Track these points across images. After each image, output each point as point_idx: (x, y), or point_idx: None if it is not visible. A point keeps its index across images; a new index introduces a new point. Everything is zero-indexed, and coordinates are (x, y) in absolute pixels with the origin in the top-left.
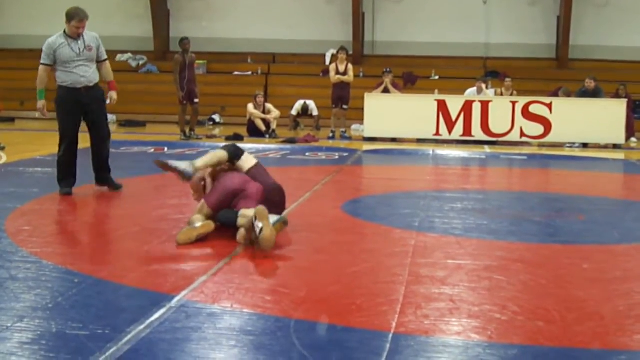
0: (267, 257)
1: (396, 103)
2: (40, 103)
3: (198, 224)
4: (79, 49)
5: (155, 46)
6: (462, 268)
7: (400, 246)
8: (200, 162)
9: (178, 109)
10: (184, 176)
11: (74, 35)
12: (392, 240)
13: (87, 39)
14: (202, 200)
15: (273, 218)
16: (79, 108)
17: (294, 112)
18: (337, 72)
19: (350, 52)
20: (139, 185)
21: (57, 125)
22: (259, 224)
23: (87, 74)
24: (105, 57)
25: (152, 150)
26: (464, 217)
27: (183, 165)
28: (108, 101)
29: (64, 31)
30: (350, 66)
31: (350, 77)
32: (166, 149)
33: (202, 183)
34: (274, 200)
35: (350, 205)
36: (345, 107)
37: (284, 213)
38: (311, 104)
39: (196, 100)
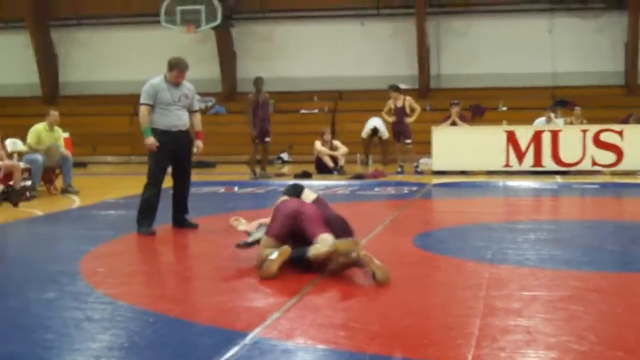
0: (339, 292)
1: (464, 135)
2: (150, 139)
3: (274, 255)
4: (178, 96)
5: (223, 88)
6: (537, 299)
7: (474, 278)
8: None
9: (250, 148)
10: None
11: (174, 83)
12: (465, 273)
13: (185, 88)
14: (264, 236)
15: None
16: (171, 151)
17: (364, 134)
18: (391, 109)
19: (416, 87)
20: (210, 225)
21: (148, 167)
22: (368, 269)
23: (182, 119)
24: (197, 107)
25: (223, 190)
26: (538, 248)
27: (258, 234)
28: (195, 149)
29: (165, 76)
30: (408, 100)
31: (414, 112)
32: (236, 188)
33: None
34: (338, 229)
35: (421, 239)
36: (407, 141)
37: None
38: (380, 126)
39: (267, 139)
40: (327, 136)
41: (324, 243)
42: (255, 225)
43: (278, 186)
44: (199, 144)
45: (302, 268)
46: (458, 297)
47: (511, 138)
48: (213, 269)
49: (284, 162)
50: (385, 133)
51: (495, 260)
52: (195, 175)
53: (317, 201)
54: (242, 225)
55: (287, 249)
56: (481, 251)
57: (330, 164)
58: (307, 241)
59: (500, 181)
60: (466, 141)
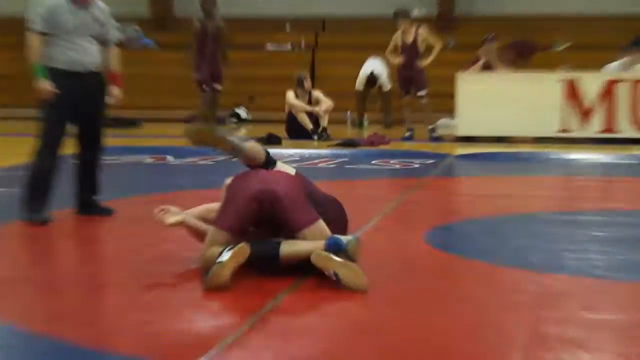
0: (322, 310)
1: (503, 86)
2: (43, 84)
3: (226, 256)
4: (85, 21)
5: (152, 10)
6: (607, 325)
7: (515, 294)
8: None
9: (192, 100)
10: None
11: (80, 1)
12: (502, 286)
13: (95, 9)
14: (211, 228)
15: (344, 239)
16: (73, 101)
17: (358, 84)
18: (397, 47)
19: (435, 13)
20: (131, 211)
21: (40, 124)
22: (330, 272)
23: (91, 55)
24: (114, 39)
25: (151, 159)
26: (609, 250)
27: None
28: (110, 100)
29: None
30: (423, 34)
31: (431, 51)
32: (169, 157)
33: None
34: (331, 217)
35: (438, 235)
36: (420, 93)
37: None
38: (382, 71)
39: (218, 87)
40: (306, 84)
41: (317, 243)
42: (200, 211)
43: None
44: (115, 92)
45: (267, 271)
46: (492, 320)
47: (571, 90)
48: (134, 275)
49: (240, 120)
50: (388, 82)
51: (547, 268)
52: (112, 139)
53: (297, 177)
54: (173, 216)
55: (244, 249)
56: (525, 254)
57: (309, 125)
58: (283, 232)
59: (553, 153)
60: (505, 94)
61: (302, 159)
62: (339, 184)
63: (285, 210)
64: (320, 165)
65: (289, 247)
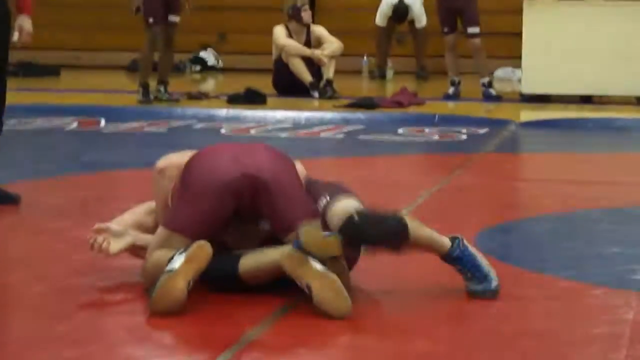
0: (313, 345)
1: (592, 21)
2: None
3: (178, 262)
4: None
5: None
6: None
7: (606, 322)
8: None
9: (135, 39)
10: None
11: None
12: (586, 309)
13: None
14: (160, 231)
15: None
16: None
17: (379, 18)
18: None
19: None
20: (47, 199)
21: None
22: (302, 284)
23: None
24: None
25: (75, 124)
26: None
27: None
28: (15, 37)
29: None
30: None
31: None
32: (103, 121)
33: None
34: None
35: (494, 238)
36: (471, 30)
37: None
38: (413, 1)
39: (173, 19)
40: (304, 16)
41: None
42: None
43: (195, 120)
44: (23, 24)
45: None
46: (572, 357)
47: None
48: (51, 292)
49: (206, 68)
50: (423, 13)
51: None
52: (19, 94)
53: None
54: (119, 240)
55: (203, 249)
56: (620, 267)
57: (307, 76)
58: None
59: None
60: (594, 33)
61: (296, 125)
62: (350, 162)
63: (278, 204)
64: (323, 135)
65: (250, 260)
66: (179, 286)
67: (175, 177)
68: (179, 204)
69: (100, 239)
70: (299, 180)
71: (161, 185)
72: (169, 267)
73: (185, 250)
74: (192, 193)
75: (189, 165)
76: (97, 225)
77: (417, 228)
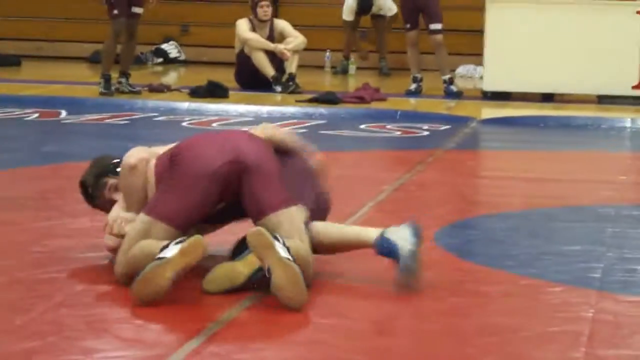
0: (281, 338)
1: (554, 19)
2: None
3: (172, 252)
4: None
5: None
6: None
7: (565, 321)
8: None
9: (104, 30)
10: None
11: None
12: (546, 309)
13: None
14: (141, 218)
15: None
16: None
17: (345, 15)
18: None
19: None
20: (9, 188)
21: None
22: (265, 266)
23: None
24: None
25: (36, 115)
26: None
27: None
28: None
29: None
30: None
31: None
32: (64, 112)
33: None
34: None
35: (454, 234)
36: (433, 26)
37: None
38: None
39: (137, 10)
40: (265, 11)
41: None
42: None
43: (156, 112)
44: None
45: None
46: (533, 354)
47: None
48: (10, 283)
49: (167, 61)
50: (391, 5)
51: (610, 285)
52: None
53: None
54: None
55: (199, 244)
56: (580, 264)
57: (270, 70)
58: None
59: (625, 119)
60: (556, 31)
61: (258, 119)
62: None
63: (256, 188)
64: (285, 129)
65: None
66: (166, 275)
67: (144, 173)
68: (165, 193)
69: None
70: (278, 168)
71: (130, 181)
72: (160, 255)
73: (181, 241)
74: (179, 183)
75: (175, 155)
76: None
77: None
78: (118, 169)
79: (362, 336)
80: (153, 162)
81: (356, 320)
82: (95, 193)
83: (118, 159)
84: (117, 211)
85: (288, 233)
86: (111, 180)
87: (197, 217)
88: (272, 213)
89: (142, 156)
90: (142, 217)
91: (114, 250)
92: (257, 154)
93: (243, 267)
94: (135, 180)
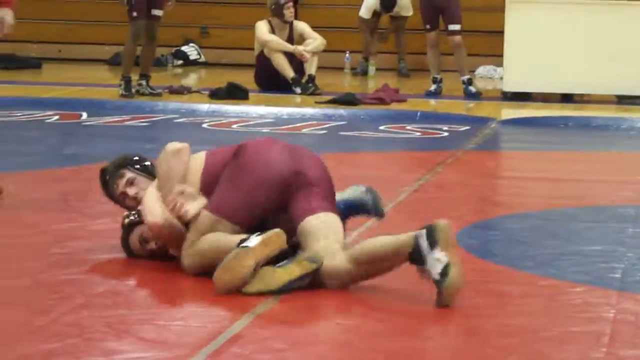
0: (303, 339)
1: (574, 20)
2: None
3: (254, 242)
4: None
5: None
6: None
7: (585, 321)
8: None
9: (124, 32)
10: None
11: None
12: (567, 309)
13: None
14: (204, 215)
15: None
16: None
17: (364, 11)
18: None
19: None
20: (31, 190)
21: None
22: (438, 257)
23: None
24: None
25: (57, 117)
26: None
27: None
28: None
29: None
30: None
31: None
32: (84, 114)
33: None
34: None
35: (474, 235)
36: (453, 27)
37: None
38: None
39: (157, 13)
40: (286, 12)
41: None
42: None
43: (177, 114)
44: (5, 18)
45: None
46: (554, 355)
47: None
48: (31, 285)
49: (188, 62)
50: (407, 6)
51: (631, 286)
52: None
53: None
54: (196, 202)
55: (281, 237)
56: (601, 264)
57: (289, 72)
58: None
59: None
60: (576, 32)
61: (278, 121)
62: (331, 158)
63: (309, 197)
64: (305, 130)
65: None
66: (248, 263)
67: (186, 160)
68: (231, 192)
69: (177, 198)
70: (333, 188)
71: (172, 165)
72: (244, 244)
73: (261, 233)
74: (245, 183)
75: (241, 155)
76: (178, 188)
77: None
78: (140, 164)
79: (384, 337)
80: (202, 154)
81: (378, 321)
82: (111, 182)
83: (139, 156)
84: (183, 187)
85: (444, 230)
86: (129, 174)
87: (259, 218)
88: (323, 212)
89: (185, 144)
90: (207, 214)
91: (157, 233)
92: (320, 171)
93: (283, 274)
94: (176, 165)
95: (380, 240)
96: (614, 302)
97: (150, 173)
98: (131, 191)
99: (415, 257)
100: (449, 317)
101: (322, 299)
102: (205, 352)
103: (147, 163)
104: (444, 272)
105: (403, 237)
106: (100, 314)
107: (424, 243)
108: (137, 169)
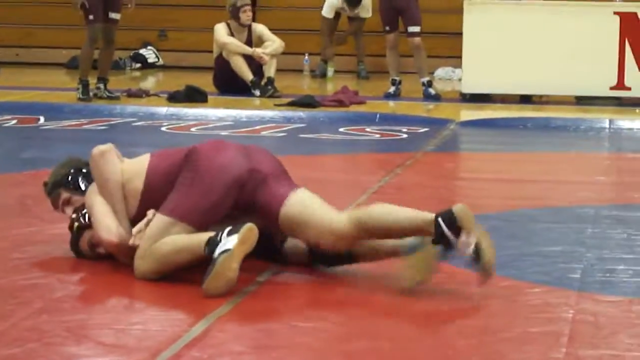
0: (261, 342)
1: (532, 21)
2: None
3: (231, 242)
4: None
5: None
6: None
7: (544, 322)
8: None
9: (82, 35)
10: None
11: None
12: (526, 310)
13: None
14: (159, 218)
15: None
16: None
17: (326, 12)
18: None
19: None
20: None
21: None
22: (466, 241)
23: None
24: None
25: (15, 121)
26: None
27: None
28: None
29: None
30: None
31: None
32: (42, 118)
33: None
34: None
35: None
36: (412, 29)
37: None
38: None
39: (114, 16)
40: (245, 16)
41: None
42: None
43: (135, 117)
44: None
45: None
46: (513, 355)
47: (632, 29)
48: None
49: (146, 66)
50: (367, 8)
51: (590, 286)
52: None
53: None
54: None
55: (253, 230)
56: (560, 265)
57: (248, 74)
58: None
59: (604, 119)
60: (534, 33)
61: (237, 124)
62: (290, 160)
63: (271, 188)
64: (264, 133)
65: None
66: (233, 267)
67: (115, 161)
68: (185, 195)
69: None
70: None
71: (103, 169)
72: (223, 248)
73: (233, 231)
74: (199, 184)
75: (193, 156)
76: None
77: None
78: (75, 180)
79: (342, 339)
80: (147, 155)
81: (337, 323)
82: (50, 199)
83: (76, 167)
84: (141, 224)
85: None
86: (64, 194)
87: (213, 220)
88: (292, 192)
89: (109, 146)
90: (162, 218)
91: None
92: (273, 166)
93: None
94: (106, 166)
95: (394, 214)
96: (573, 302)
97: (88, 184)
98: (68, 210)
99: (440, 241)
100: (409, 318)
101: (282, 301)
102: (165, 356)
103: (85, 170)
104: (477, 252)
105: (420, 220)
106: (60, 318)
107: (447, 231)
108: (72, 187)
